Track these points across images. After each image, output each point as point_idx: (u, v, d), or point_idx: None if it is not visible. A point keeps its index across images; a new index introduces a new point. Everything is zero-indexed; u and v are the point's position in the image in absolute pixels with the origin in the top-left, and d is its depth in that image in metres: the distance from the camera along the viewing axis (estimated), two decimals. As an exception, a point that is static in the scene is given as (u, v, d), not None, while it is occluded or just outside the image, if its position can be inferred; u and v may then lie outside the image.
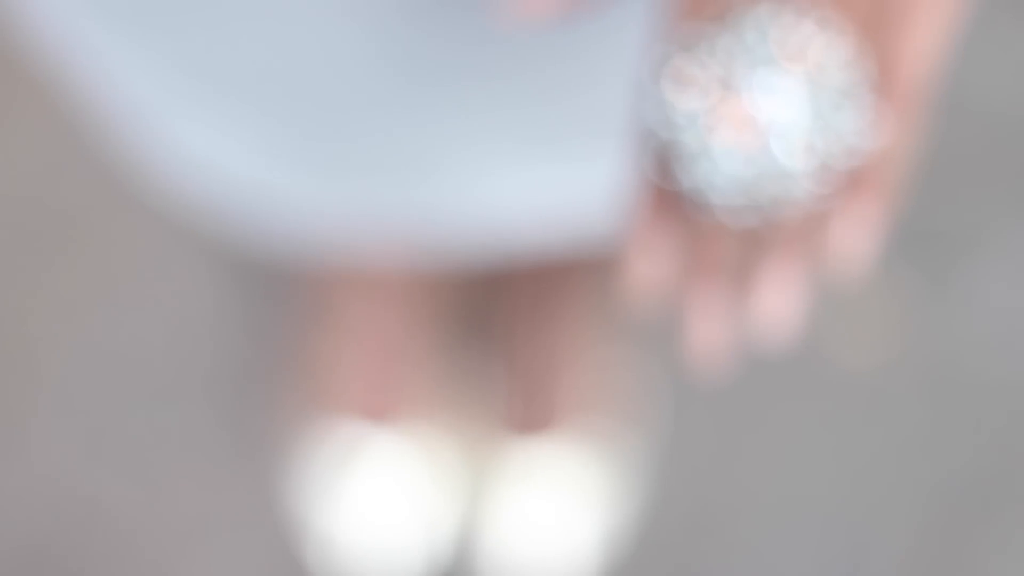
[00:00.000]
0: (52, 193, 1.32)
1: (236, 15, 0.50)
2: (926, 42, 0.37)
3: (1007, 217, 1.28)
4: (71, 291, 1.27)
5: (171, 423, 1.22)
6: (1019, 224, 1.27)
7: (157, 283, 1.27)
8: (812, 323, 1.21)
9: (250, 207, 0.71)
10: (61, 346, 1.25)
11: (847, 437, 1.21)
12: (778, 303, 0.39)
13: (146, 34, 0.53)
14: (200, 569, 1.18)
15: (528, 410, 1.14)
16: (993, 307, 1.25)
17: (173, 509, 1.19)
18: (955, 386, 1.22)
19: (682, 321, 0.39)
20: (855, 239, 0.39)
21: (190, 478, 1.20)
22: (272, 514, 1.18)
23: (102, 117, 0.78)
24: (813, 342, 1.23)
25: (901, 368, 1.23)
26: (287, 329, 1.25)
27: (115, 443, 1.22)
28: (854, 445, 1.21)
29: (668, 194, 0.38)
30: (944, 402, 1.22)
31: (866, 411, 1.22)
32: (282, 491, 1.19)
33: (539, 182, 0.64)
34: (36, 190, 1.32)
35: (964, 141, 1.30)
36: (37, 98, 1.34)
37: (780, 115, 0.37)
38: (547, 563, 1.13)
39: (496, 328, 1.20)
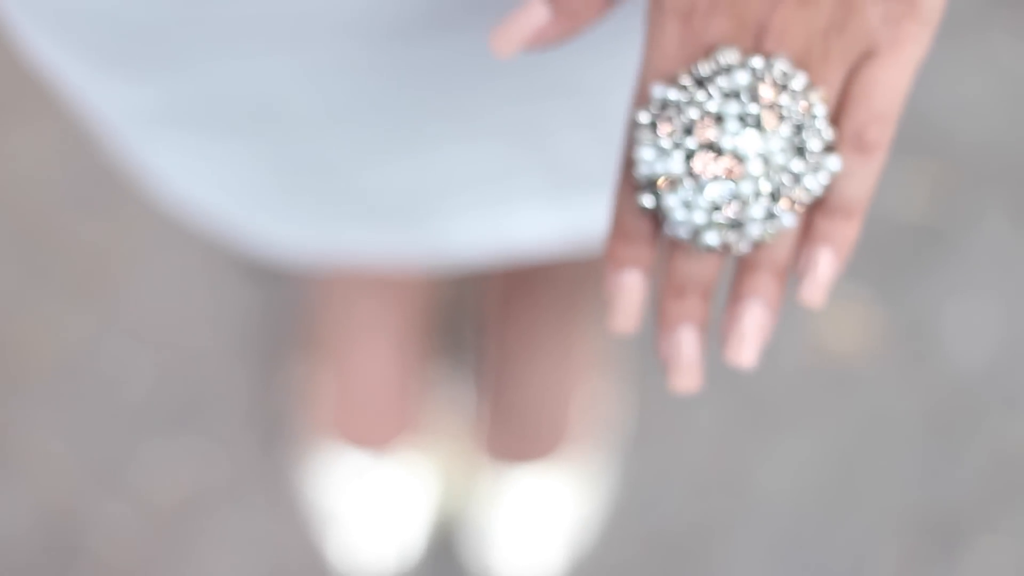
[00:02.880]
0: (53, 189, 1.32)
1: (227, 61, 0.50)
2: (894, 84, 0.39)
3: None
4: (62, 310, 1.27)
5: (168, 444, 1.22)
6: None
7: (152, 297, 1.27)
8: (800, 330, 1.22)
9: (237, 236, 0.70)
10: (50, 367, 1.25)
11: (834, 460, 1.22)
12: (750, 322, 0.40)
13: (133, 75, 0.52)
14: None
15: (506, 438, 1.14)
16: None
17: (168, 520, 1.19)
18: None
19: (658, 335, 0.41)
20: (826, 263, 0.40)
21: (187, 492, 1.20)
22: (269, 525, 1.19)
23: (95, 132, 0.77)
24: (799, 359, 1.24)
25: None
26: (277, 347, 1.25)
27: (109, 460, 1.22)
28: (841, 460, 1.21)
29: (650, 215, 0.40)
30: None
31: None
32: (278, 507, 1.20)
33: (547, 216, 0.65)
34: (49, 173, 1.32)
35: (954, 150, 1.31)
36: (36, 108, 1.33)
37: (759, 146, 0.39)
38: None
39: (477, 357, 1.20)
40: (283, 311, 1.25)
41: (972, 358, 1.24)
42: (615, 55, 0.51)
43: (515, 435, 1.13)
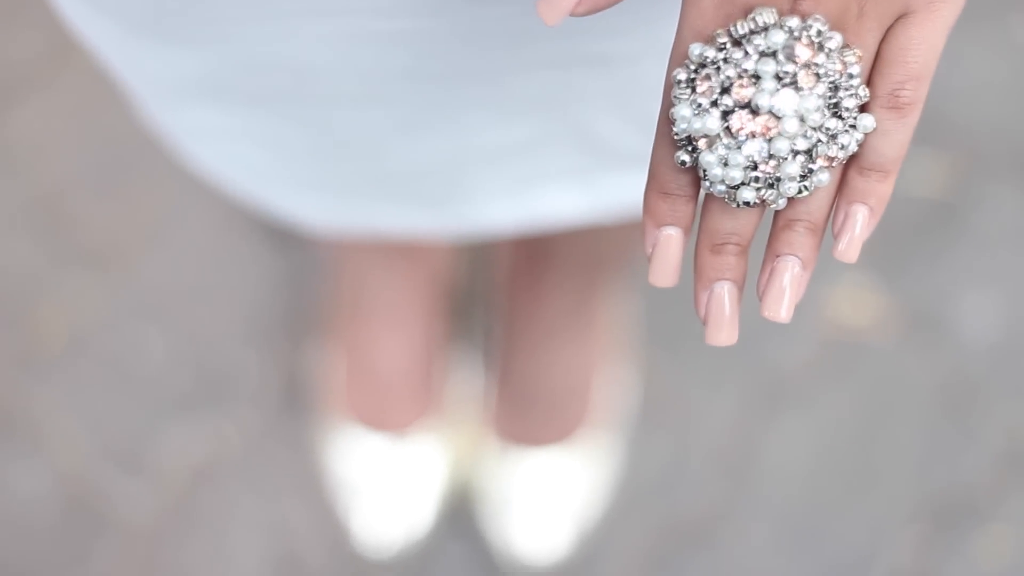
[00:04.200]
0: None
1: (264, 25, 0.50)
2: (928, 44, 0.40)
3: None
4: (79, 297, 1.28)
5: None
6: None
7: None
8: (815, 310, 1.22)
9: (266, 205, 0.70)
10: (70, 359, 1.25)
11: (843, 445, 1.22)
12: (787, 277, 0.41)
13: (172, 42, 0.53)
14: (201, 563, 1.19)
15: (520, 421, 1.14)
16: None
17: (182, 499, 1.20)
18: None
19: (696, 290, 0.42)
20: (862, 219, 0.41)
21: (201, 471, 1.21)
22: (282, 500, 1.19)
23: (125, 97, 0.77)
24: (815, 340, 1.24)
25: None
26: (293, 324, 1.25)
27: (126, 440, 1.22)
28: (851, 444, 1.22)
29: (688, 171, 0.41)
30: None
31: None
32: (291, 483, 1.20)
33: (577, 192, 0.65)
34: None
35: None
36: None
37: (795, 104, 0.39)
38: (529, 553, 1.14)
39: (488, 338, 1.20)
40: (301, 289, 1.26)
41: (986, 337, 1.24)
42: (649, 23, 0.52)
43: (528, 419, 1.14)
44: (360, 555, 1.16)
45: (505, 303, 1.15)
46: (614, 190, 0.65)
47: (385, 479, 1.13)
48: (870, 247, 1.25)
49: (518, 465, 1.13)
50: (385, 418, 1.13)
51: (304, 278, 1.26)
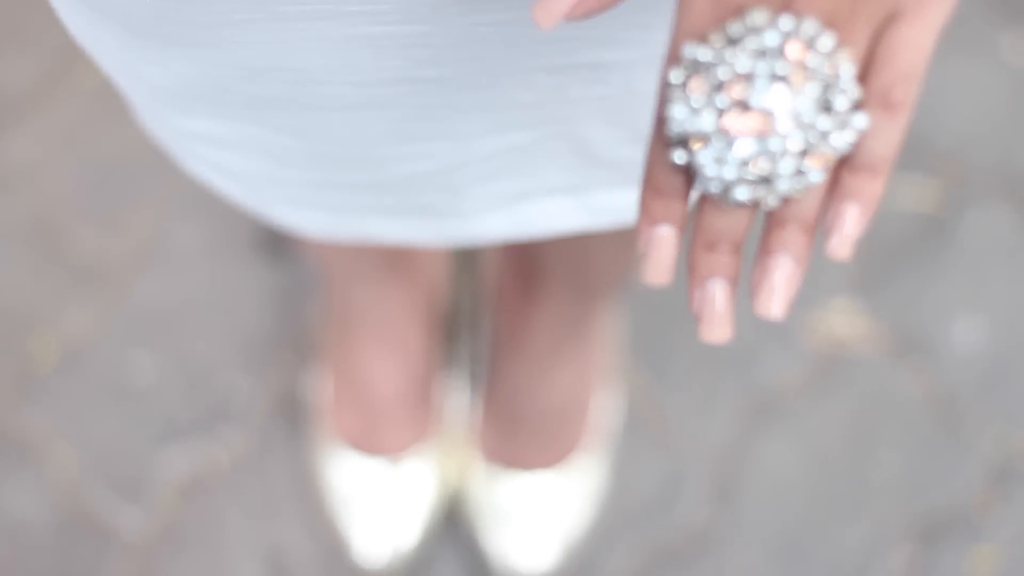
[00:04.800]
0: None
1: (263, 27, 0.50)
2: (919, 44, 0.40)
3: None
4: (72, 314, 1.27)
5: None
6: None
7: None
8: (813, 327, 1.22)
9: (262, 211, 0.71)
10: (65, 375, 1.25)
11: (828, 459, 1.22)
12: (780, 275, 0.42)
13: (171, 48, 0.53)
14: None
15: (507, 443, 1.13)
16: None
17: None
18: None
19: (690, 287, 0.42)
20: (853, 218, 0.42)
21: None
22: (272, 516, 1.19)
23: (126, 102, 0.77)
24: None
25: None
26: (283, 344, 1.25)
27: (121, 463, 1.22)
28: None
29: (681, 171, 0.41)
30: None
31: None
32: (281, 499, 1.19)
33: (571, 204, 0.66)
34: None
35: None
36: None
37: (788, 104, 0.40)
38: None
39: (479, 363, 1.20)
40: (294, 309, 1.26)
41: (974, 356, 1.25)
42: (643, 29, 0.52)
43: (518, 441, 1.13)
44: (351, 572, 1.16)
45: (495, 324, 1.15)
46: (606, 198, 0.66)
47: (377, 498, 1.13)
48: (860, 263, 1.26)
49: (507, 485, 1.13)
50: (378, 443, 1.13)
51: (297, 298, 1.27)
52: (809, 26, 0.39)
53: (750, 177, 0.40)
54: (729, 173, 0.40)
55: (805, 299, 1.25)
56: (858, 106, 0.41)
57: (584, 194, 0.65)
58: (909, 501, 1.19)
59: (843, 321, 1.25)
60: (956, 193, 1.31)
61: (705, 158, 0.40)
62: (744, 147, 0.40)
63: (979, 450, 1.21)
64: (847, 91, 0.40)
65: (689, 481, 1.20)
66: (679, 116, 0.40)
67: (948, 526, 1.18)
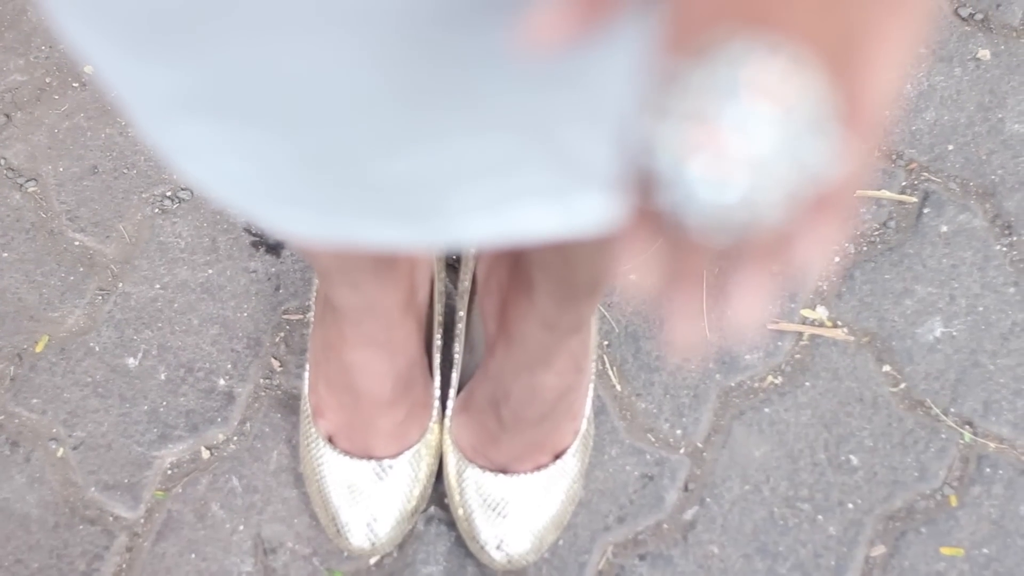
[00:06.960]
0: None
1: (256, 40, 0.51)
2: (887, 75, 0.40)
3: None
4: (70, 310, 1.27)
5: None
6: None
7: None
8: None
9: (254, 216, 0.71)
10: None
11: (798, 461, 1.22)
12: (746, 309, 0.42)
13: (163, 58, 0.53)
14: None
15: (490, 447, 1.13)
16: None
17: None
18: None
19: (663, 321, 0.43)
20: (817, 255, 0.42)
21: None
22: (261, 507, 1.19)
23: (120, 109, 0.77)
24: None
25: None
26: (272, 341, 1.24)
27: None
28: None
29: (651, 213, 0.41)
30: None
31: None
32: (269, 491, 1.19)
33: (553, 212, 0.65)
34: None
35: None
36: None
37: (752, 146, 0.39)
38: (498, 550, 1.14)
39: (465, 366, 1.19)
40: (284, 308, 1.26)
41: (943, 357, 1.25)
42: (623, 50, 0.53)
43: (501, 444, 1.13)
44: (339, 565, 1.17)
45: (480, 330, 1.14)
46: (588, 206, 0.66)
47: (363, 494, 1.13)
48: (831, 262, 1.26)
49: (491, 484, 1.13)
50: (364, 441, 1.13)
51: (288, 299, 1.27)
52: (782, 55, 0.39)
53: (720, 206, 0.40)
54: (699, 201, 0.40)
55: (778, 297, 1.26)
56: (827, 137, 0.40)
57: (566, 198, 0.65)
58: (881, 496, 1.19)
59: (816, 319, 1.26)
60: (926, 193, 1.32)
61: (675, 185, 0.40)
62: (706, 191, 0.39)
63: (950, 446, 1.21)
64: (818, 122, 0.40)
65: (665, 478, 1.20)
66: (652, 133, 0.40)
67: (919, 520, 1.18)
